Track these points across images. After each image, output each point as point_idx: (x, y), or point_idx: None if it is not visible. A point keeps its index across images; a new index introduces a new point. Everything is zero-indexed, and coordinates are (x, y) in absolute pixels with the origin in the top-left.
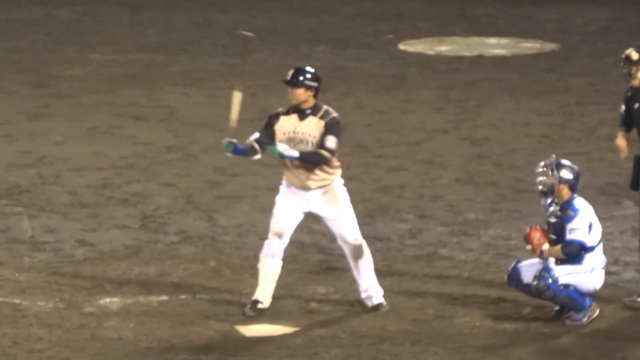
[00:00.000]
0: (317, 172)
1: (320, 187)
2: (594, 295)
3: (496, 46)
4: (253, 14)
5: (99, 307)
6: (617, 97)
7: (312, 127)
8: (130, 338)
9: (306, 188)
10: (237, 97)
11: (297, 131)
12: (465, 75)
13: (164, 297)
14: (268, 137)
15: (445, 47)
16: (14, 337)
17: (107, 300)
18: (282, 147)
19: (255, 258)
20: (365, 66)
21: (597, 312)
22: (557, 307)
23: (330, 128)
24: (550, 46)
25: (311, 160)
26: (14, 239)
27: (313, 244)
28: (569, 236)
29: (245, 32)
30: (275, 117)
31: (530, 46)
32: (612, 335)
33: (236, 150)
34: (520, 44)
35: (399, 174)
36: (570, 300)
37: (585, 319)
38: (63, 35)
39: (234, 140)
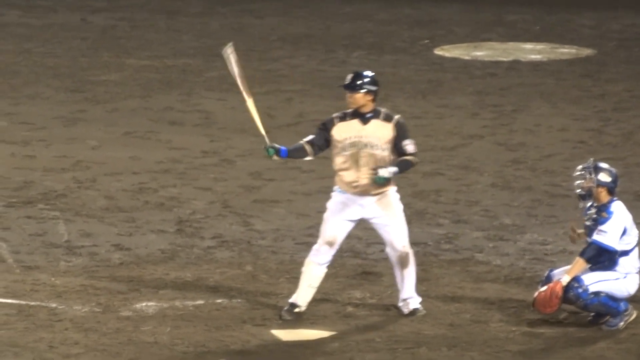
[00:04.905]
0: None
1: (380, 193)
2: (630, 300)
3: (532, 51)
4: (289, 19)
5: (135, 312)
6: None
7: (378, 130)
8: (167, 342)
9: (367, 194)
10: (250, 106)
11: (361, 135)
12: (501, 81)
13: (200, 302)
14: (322, 141)
15: (481, 52)
16: (50, 341)
17: (143, 304)
18: (385, 172)
19: (292, 262)
20: (401, 72)
21: (634, 316)
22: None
23: (403, 131)
24: (586, 52)
25: (407, 169)
26: (50, 243)
27: (349, 248)
28: (593, 237)
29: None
30: (330, 123)
31: (567, 52)
32: None
33: (281, 153)
34: (556, 50)
35: (435, 179)
36: (603, 307)
37: (622, 323)
38: (99, 40)
39: (275, 145)
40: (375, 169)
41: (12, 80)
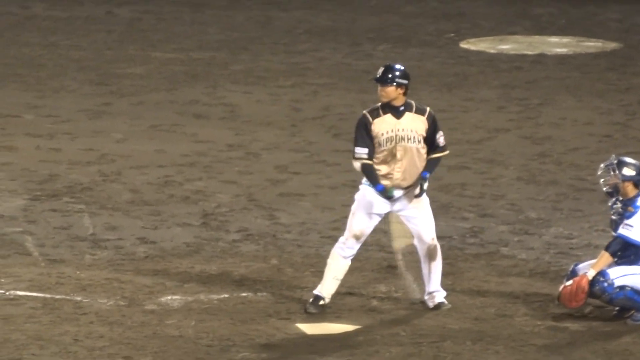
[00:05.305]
0: (417, 171)
1: (409, 186)
2: None
3: (558, 45)
4: (315, 12)
5: (160, 305)
6: None
7: (413, 123)
8: (191, 336)
9: (397, 186)
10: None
11: (397, 129)
12: (527, 74)
13: (225, 295)
14: (372, 144)
15: (507, 45)
16: (75, 334)
17: (168, 297)
18: (427, 184)
19: (317, 256)
20: (426, 65)
21: None
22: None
23: (435, 123)
24: (612, 45)
25: (437, 165)
26: (76, 237)
27: (374, 242)
28: (619, 230)
29: None
30: (367, 121)
31: (592, 45)
32: None
33: (380, 188)
34: (582, 43)
35: (461, 172)
36: (629, 301)
37: None
38: (124, 33)
39: (385, 189)
40: (421, 186)
41: (38, 73)
